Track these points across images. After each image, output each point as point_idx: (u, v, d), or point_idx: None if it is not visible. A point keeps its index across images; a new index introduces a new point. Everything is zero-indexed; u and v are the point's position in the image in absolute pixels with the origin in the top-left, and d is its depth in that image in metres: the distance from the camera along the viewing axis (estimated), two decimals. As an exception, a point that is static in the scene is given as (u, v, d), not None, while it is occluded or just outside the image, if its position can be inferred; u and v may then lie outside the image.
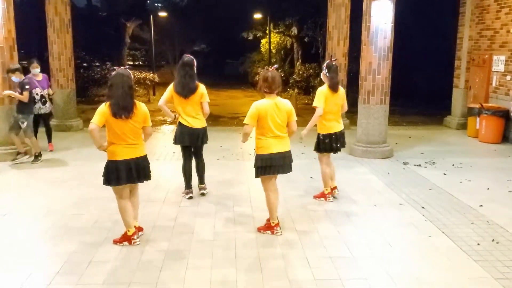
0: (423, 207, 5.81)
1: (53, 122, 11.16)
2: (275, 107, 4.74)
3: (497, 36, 10.54)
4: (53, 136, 10.34)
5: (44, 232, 5.02)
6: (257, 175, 4.88)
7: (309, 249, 4.60)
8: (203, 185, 6.25)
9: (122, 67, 4.62)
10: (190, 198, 6.08)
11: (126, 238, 4.69)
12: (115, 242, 4.71)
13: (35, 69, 8.43)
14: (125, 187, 4.61)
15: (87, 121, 12.70)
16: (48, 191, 6.40)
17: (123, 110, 4.35)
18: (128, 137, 4.46)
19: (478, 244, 4.73)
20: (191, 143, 5.95)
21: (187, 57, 5.85)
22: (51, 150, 8.86)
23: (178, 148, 9.12)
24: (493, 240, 4.84)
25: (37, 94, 8.35)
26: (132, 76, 4.57)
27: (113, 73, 4.49)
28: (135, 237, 4.68)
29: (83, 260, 4.31)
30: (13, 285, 3.88)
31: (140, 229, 4.91)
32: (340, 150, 6.00)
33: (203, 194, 6.17)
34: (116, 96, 4.36)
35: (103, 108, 4.37)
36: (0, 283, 3.93)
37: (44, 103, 8.50)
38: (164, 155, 8.65)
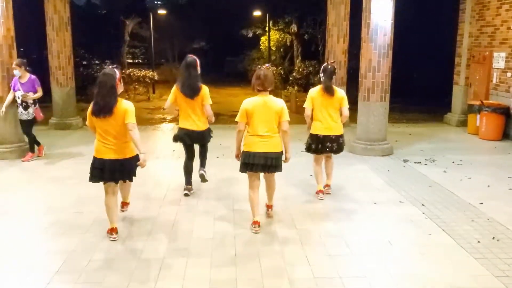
0: (423, 205, 5.80)
1: (52, 120, 11.17)
2: (263, 104, 4.77)
3: (498, 32, 10.52)
4: (53, 134, 10.38)
5: (44, 230, 5.01)
6: (240, 170, 5.03)
7: (308, 247, 4.59)
8: (204, 168, 6.16)
9: (110, 66, 4.64)
10: (186, 195, 6.06)
11: (108, 231, 4.80)
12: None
13: (14, 71, 7.60)
14: (109, 184, 4.66)
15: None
16: (48, 189, 6.40)
17: (102, 110, 4.38)
18: (108, 137, 4.49)
19: (478, 241, 4.72)
20: (192, 142, 6.01)
21: (190, 57, 5.84)
22: (39, 156, 8.19)
23: (177, 146, 9.12)
24: (493, 237, 4.83)
25: (18, 97, 7.69)
26: (117, 75, 4.48)
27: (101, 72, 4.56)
28: (112, 234, 4.71)
29: (82, 259, 4.30)
30: (13, 284, 3.87)
31: (125, 204, 5.39)
32: (327, 152, 5.94)
33: (202, 176, 6.11)
34: (97, 95, 4.42)
35: (89, 108, 4.49)
36: (1, 281, 3.93)
37: (25, 108, 7.71)
38: (163, 154, 8.64)
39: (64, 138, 10.02)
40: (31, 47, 21.30)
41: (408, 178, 6.99)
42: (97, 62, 22.08)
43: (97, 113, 4.40)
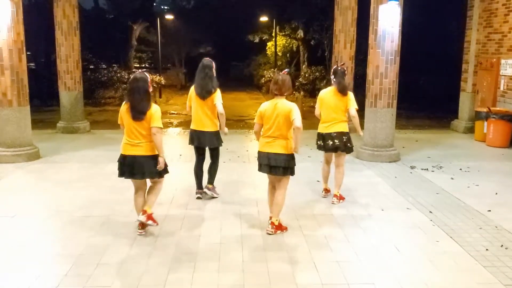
0: (430, 212, 5.79)
1: (60, 124, 11.25)
2: (274, 107, 4.92)
3: (505, 39, 10.50)
4: (61, 138, 10.46)
5: (52, 233, 5.04)
6: (258, 169, 5.20)
7: (316, 253, 4.59)
8: (211, 186, 6.26)
9: (140, 71, 4.88)
10: (198, 198, 6.18)
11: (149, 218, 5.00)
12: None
13: None
14: (134, 181, 4.92)
15: (94, 123, 12.77)
16: (55, 193, 6.43)
17: (140, 113, 4.66)
18: (133, 135, 4.74)
19: (487, 249, 4.70)
20: (201, 144, 6.10)
21: (207, 60, 6.05)
22: None
23: (184, 150, 9.17)
24: (501, 245, 4.80)
25: None
26: (149, 79, 4.78)
27: (132, 76, 4.81)
28: (138, 217, 4.91)
29: (91, 262, 4.32)
30: (22, 287, 3.89)
31: (144, 211, 4.97)
32: (330, 151, 6.06)
33: (205, 193, 6.21)
34: (132, 100, 4.69)
35: (121, 108, 4.79)
36: (9, 284, 3.95)
37: None
38: (170, 157, 8.65)
39: (72, 141, 10.07)
40: (39, 51, 21.49)
41: (415, 185, 6.97)
42: (104, 66, 22.24)
43: (135, 117, 4.66)
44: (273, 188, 5.17)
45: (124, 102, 4.83)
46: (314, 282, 4.02)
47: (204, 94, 5.86)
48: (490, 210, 5.83)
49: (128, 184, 6.71)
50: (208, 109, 5.93)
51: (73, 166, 7.92)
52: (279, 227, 5.07)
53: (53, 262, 4.35)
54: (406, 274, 4.18)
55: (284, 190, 5.08)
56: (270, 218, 5.12)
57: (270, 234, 5.01)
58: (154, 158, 4.80)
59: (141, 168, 4.77)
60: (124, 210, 5.72)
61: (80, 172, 7.55)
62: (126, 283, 3.96)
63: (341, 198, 6.12)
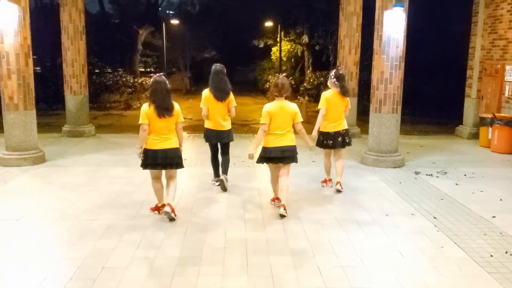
0: (435, 217, 5.78)
1: (65, 127, 11.31)
2: (279, 108, 5.58)
3: (510, 46, 10.48)
4: (66, 142, 10.52)
5: (58, 237, 5.07)
6: (257, 162, 5.81)
7: (320, 257, 4.59)
8: (226, 176, 6.79)
9: (157, 74, 5.51)
10: (219, 185, 6.77)
11: (156, 208, 5.70)
12: (151, 209, 5.73)
13: None
14: (154, 171, 5.52)
15: (99, 127, 12.84)
16: (61, 196, 6.46)
17: (166, 110, 5.27)
18: (162, 132, 5.32)
19: (491, 255, 4.69)
20: (218, 141, 6.73)
21: (219, 65, 6.67)
22: None
23: (189, 155, 9.20)
24: (506, 252, 4.79)
25: None
26: (167, 81, 5.43)
27: (151, 80, 5.43)
28: (164, 209, 5.41)
29: (96, 266, 4.34)
30: (27, 289, 3.92)
31: (172, 210, 5.51)
32: (340, 147, 6.71)
33: (222, 182, 6.71)
34: (157, 100, 5.25)
35: (146, 109, 5.29)
36: (14, 287, 3.97)
37: None
38: (175, 162, 8.68)
39: (77, 145, 10.13)
40: (45, 55, 21.61)
41: (420, 190, 6.96)
42: (109, 70, 22.33)
43: (161, 114, 5.24)
44: (277, 176, 5.81)
45: (147, 104, 5.31)
46: (318, 286, 4.02)
47: (223, 96, 6.47)
48: (494, 216, 5.82)
49: (132, 188, 6.77)
50: (223, 109, 6.55)
51: (78, 170, 7.95)
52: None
53: (59, 265, 4.38)
54: (410, 279, 4.18)
55: (288, 175, 5.78)
56: (282, 206, 5.69)
57: (285, 215, 5.63)
58: (179, 149, 5.51)
59: (173, 159, 5.41)
60: (129, 213, 5.75)
61: (85, 175, 7.58)
62: (131, 287, 3.98)
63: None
